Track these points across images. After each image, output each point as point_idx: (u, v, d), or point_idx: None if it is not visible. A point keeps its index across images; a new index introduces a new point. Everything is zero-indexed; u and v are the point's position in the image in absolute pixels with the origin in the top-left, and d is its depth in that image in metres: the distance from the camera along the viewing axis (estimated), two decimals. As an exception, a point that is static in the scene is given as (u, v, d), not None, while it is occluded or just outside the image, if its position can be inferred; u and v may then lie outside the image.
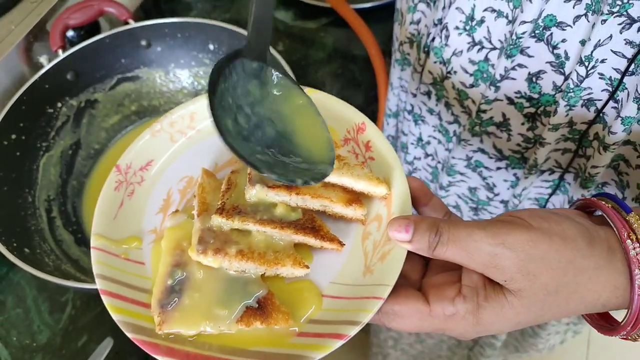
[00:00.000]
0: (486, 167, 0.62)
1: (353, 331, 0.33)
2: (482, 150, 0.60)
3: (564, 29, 0.44)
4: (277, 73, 0.40)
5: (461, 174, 0.65)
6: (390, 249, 0.36)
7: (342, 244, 0.38)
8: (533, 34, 0.45)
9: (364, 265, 0.37)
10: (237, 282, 0.36)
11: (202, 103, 0.44)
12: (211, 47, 0.74)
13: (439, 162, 0.70)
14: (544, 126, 0.52)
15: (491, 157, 0.60)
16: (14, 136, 0.64)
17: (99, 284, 0.36)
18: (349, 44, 0.86)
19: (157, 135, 0.44)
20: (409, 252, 0.35)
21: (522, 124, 0.53)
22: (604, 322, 0.36)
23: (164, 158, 0.44)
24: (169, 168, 0.43)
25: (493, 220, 0.34)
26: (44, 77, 0.67)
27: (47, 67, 0.67)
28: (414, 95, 0.65)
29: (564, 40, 0.44)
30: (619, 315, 0.35)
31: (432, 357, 1.22)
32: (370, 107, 0.80)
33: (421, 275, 0.38)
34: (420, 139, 0.70)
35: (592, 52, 0.42)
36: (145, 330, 0.34)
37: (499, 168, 0.61)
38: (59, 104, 0.70)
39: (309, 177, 0.36)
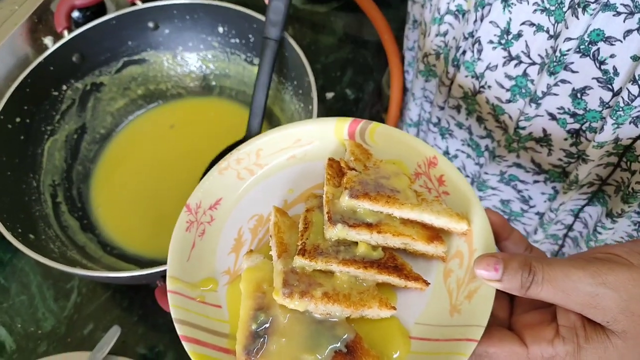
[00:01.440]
0: (522, 181, 0.59)
1: None
2: (518, 165, 0.57)
3: (612, 44, 0.41)
4: None
5: (493, 188, 0.62)
6: (477, 287, 0.35)
7: (427, 283, 0.37)
8: (578, 49, 0.43)
9: (449, 304, 0.36)
10: (324, 326, 0.35)
11: (268, 138, 0.44)
12: (220, 29, 0.72)
13: (467, 176, 0.67)
14: (588, 142, 0.49)
15: (528, 171, 0.57)
16: (18, 119, 0.62)
17: (179, 330, 0.35)
18: (360, 29, 0.84)
19: (224, 173, 0.43)
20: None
21: (565, 139, 0.50)
22: None
23: (233, 196, 0.43)
24: (238, 206, 0.43)
25: (589, 258, 0.32)
26: (49, 59, 0.65)
27: (51, 48, 0.65)
28: (441, 109, 0.62)
29: (612, 56, 0.42)
30: None
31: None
32: (382, 95, 0.78)
33: (509, 313, 0.37)
34: (447, 153, 0.67)
35: None
36: None
37: (536, 182, 0.58)
38: (64, 87, 0.68)
39: None
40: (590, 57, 0.43)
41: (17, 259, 0.64)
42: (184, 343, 0.35)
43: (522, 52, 0.48)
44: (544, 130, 0.51)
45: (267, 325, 0.35)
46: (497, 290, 0.34)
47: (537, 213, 0.63)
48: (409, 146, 0.42)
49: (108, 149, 0.71)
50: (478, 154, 0.62)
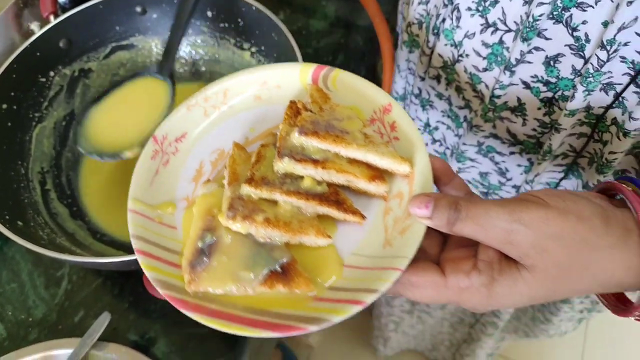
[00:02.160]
0: (499, 152, 0.60)
1: (370, 299, 0.34)
2: (495, 136, 0.58)
3: (585, 10, 0.41)
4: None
5: (471, 159, 0.63)
6: (410, 224, 0.37)
7: (363, 217, 0.40)
8: (551, 16, 0.43)
9: (384, 239, 0.38)
10: (263, 248, 0.38)
11: (236, 79, 0.47)
12: (209, 14, 0.71)
13: (447, 147, 0.68)
14: (560, 111, 0.49)
15: (504, 142, 0.58)
16: (4, 106, 0.62)
17: (134, 244, 0.39)
18: (352, 13, 0.83)
19: (192, 109, 0.46)
20: (429, 229, 0.36)
21: (539, 108, 0.51)
22: (618, 303, 0.36)
23: (197, 131, 0.46)
24: (202, 140, 0.46)
25: (511, 198, 0.34)
26: (35, 45, 0.64)
27: (38, 34, 0.64)
28: (422, 79, 0.63)
29: (584, 22, 0.42)
30: (634, 297, 0.35)
31: (433, 333, 1.23)
32: (376, 80, 0.78)
33: (439, 251, 0.38)
34: (427, 125, 0.68)
35: (615, 35, 0.40)
36: (176, 287, 0.37)
37: (512, 153, 0.59)
38: (52, 73, 0.67)
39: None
40: (563, 24, 0.43)
41: (7, 247, 0.64)
42: (137, 255, 0.38)
43: (499, 19, 0.48)
44: (519, 100, 0.51)
45: (212, 244, 0.38)
46: (432, 231, 0.36)
47: (514, 186, 0.63)
48: (367, 93, 0.44)
49: (97, 136, 0.71)
50: (457, 125, 0.63)
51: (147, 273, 0.37)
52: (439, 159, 0.39)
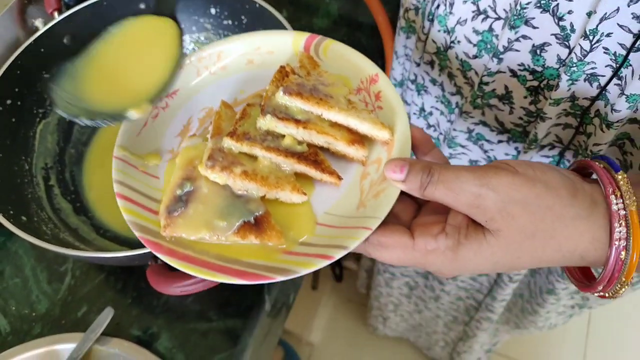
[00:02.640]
0: (487, 140, 0.61)
1: (339, 254, 0.35)
2: (484, 123, 0.59)
3: (570, 0, 0.42)
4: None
5: (462, 146, 0.64)
6: (385, 187, 0.38)
7: (340, 178, 0.41)
8: (538, 4, 0.43)
9: (358, 200, 0.39)
10: (239, 200, 0.39)
11: (231, 43, 0.48)
12: (213, 11, 0.71)
13: (440, 133, 0.68)
14: (546, 100, 0.50)
15: (493, 130, 0.59)
16: (9, 102, 0.62)
17: (116, 188, 0.40)
18: (355, 11, 0.83)
19: (186, 68, 0.48)
20: (403, 196, 0.37)
21: (525, 97, 0.52)
22: (583, 279, 0.37)
23: (189, 89, 0.48)
24: (192, 98, 0.47)
25: (482, 165, 0.35)
26: (39, 41, 0.64)
27: (42, 30, 0.64)
28: (418, 65, 0.64)
29: (570, 12, 0.42)
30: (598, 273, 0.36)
31: (428, 331, 1.23)
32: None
33: (412, 217, 0.40)
34: (422, 109, 0.68)
35: (597, 25, 0.40)
36: (152, 231, 0.38)
37: (500, 141, 0.60)
38: (56, 69, 0.67)
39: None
40: (550, 13, 0.44)
41: (10, 242, 0.64)
42: (117, 200, 0.39)
43: (489, 6, 0.48)
44: (506, 87, 0.52)
45: (190, 192, 0.39)
46: (407, 198, 0.38)
47: None
48: (356, 63, 0.45)
49: (101, 132, 0.71)
50: (449, 111, 0.64)
51: (125, 216, 0.38)
52: (419, 129, 0.40)
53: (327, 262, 0.35)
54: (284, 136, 0.41)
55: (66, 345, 0.54)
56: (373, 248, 0.37)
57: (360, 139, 0.41)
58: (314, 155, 0.41)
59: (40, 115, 0.66)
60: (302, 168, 0.40)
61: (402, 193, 0.37)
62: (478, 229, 0.35)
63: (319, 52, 0.47)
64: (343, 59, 0.46)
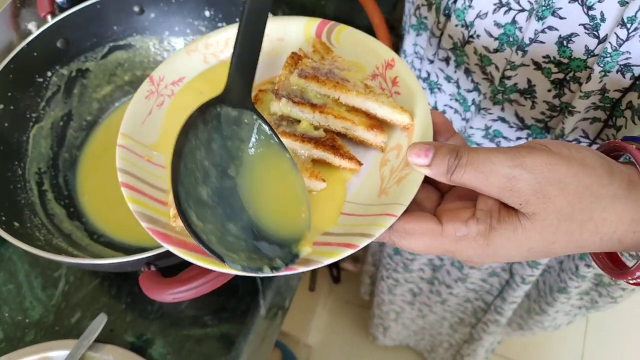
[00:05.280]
0: (505, 137, 0.59)
1: (363, 243, 0.33)
2: (503, 119, 0.57)
3: None
4: (259, 121, 0.36)
5: (478, 144, 0.62)
6: (407, 173, 0.36)
7: (360, 163, 0.39)
8: None
9: (379, 188, 0.37)
10: None
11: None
12: (207, 13, 0.70)
13: None
14: (572, 93, 0.49)
15: (512, 127, 0.57)
16: (1, 106, 0.61)
17: (120, 177, 0.37)
18: (351, 12, 0.83)
19: (192, 55, 0.45)
20: (425, 184, 0.35)
21: (549, 90, 0.50)
22: (614, 266, 0.35)
23: (195, 76, 0.45)
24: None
25: (514, 146, 0.33)
26: (33, 45, 0.63)
27: (35, 33, 0.63)
28: (431, 62, 0.62)
29: (600, 1, 0.41)
30: (629, 263, 0.34)
31: (432, 333, 1.22)
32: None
33: (436, 205, 0.37)
34: (435, 108, 0.67)
35: (636, 12, 0.39)
36: (160, 222, 0.36)
37: (519, 138, 0.58)
38: (49, 73, 0.67)
39: (280, 262, 0.33)
40: (578, 3, 0.42)
41: (4, 248, 0.63)
42: (122, 189, 0.37)
43: None
44: (529, 81, 0.51)
45: None
46: (430, 186, 0.36)
47: None
48: (371, 48, 0.43)
49: (95, 136, 0.70)
50: (465, 108, 0.62)
51: (131, 206, 0.36)
52: (439, 114, 0.38)
53: (351, 251, 0.33)
54: (299, 121, 0.39)
55: (59, 352, 0.53)
56: (398, 236, 0.35)
57: (379, 124, 0.39)
58: (332, 141, 0.39)
59: (33, 119, 0.65)
60: (319, 153, 0.39)
61: (423, 181, 0.35)
62: (511, 212, 0.32)
63: (331, 38, 0.45)
64: (357, 44, 0.44)
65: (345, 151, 0.39)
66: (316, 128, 0.39)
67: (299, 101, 0.38)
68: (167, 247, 0.34)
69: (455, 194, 0.38)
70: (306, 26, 0.45)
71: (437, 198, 0.38)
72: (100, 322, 0.54)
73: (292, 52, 0.43)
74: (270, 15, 0.40)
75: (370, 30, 0.75)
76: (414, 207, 0.35)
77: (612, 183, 0.31)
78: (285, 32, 0.46)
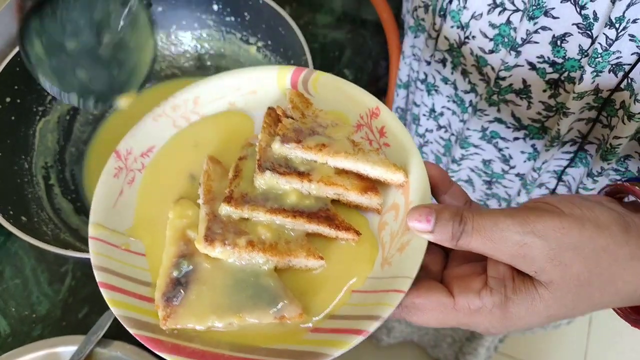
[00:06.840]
0: (502, 138, 0.59)
1: (373, 327, 0.31)
2: (499, 120, 0.57)
3: None
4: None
5: (475, 146, 0.62)
6: (410, 239, 0.33)
7: (358, 233, 0.36)
8: None
9: (381, 257, 0.35)
10: (249, 273, 0.34)
11: (206, 86, 0.43)
12: (215, 7, 0.70)
13: (452, 134, 0.67)
14: (567, 93, 0.49)
15: (509, 127, 0.57)
16: (8, 99, 0.61)
17: (97, 277, 0.34)
18: (359, 8, 0.82)
19: (159, 120, 0.42)
20: (429, 243, 0.33)
21: (544, 90, 0.50)
22: (635, 315, 0.34)
23: (165, 143, 0.42)
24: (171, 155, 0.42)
25: (520, 207, 0.32)
26: (39, 38, 0.63)
27: (42, 26, 0.63)
28: (428, 64, 0.62)
29: (592, 0, 0.41)
30: None
31: (436, 327, 1.22)
32: (384, 79, 0.77)
33: (442, 267, 0.36)
34: (433, 110, 0.67)
35: (624, 12, 0.39)
36: (149, 325, 0.33)
37: (516, 138, 0.58)
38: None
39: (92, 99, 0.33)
40: (571, 2, 0.42)
41: (10, 242, 0.63)
42: (102, 290, 0.34)
43: None
44: (524, 81, 0.50)
45: (189, 272, 0.34)
46: (433, 245, 0.33)
47: (518, 174, 0.63)
48: (352, 96, 0.40)
49: (101, 131, 0.70)
50: (462, 110, 0.62)
51: (114, 310, 0.33)
52: (434, 165, 0.37)
53: (360, 338, 0.30)
54: (287, 192, 0.37)
55: (67, 347, 0.53)
56: (408, 312, 0.32)
57: (373, 185, 0.36)
58: (325, 211, 0.36)
59: (40, 113, 0.65)
60: (314, 227, 0.36)
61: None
62: (526, 280, 0.31)
63: (308, 87, 0.42)
64: (336, 92, 0.41)
65: (340, 221, 0.36)
66: (305, 197, 0.37)
67: (285, 171, 0.36)
68: (161, 354, 0.32)
69: (461, 255, 0.36)
70: (279, 76, 0.42)
71: (443, 258, 0.37)
72: (108, 318, 0.54)
73: (269, 108, 0.40)
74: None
75: (379, 25, 0.75)
76: (420, 273, 0.33)
77: (629, 242, 0.30)
78: (257, 84, 0.43)
